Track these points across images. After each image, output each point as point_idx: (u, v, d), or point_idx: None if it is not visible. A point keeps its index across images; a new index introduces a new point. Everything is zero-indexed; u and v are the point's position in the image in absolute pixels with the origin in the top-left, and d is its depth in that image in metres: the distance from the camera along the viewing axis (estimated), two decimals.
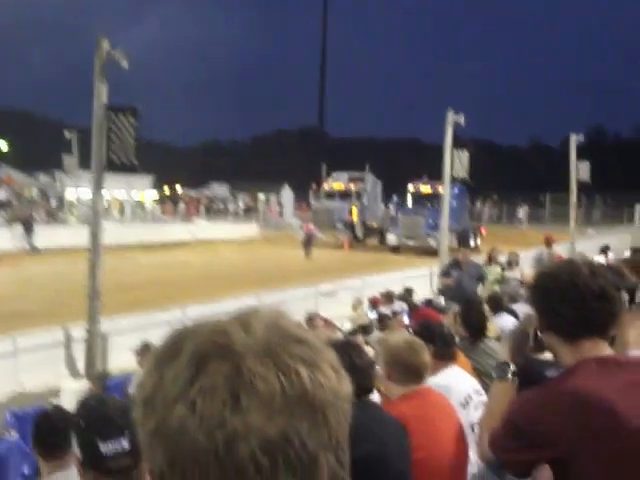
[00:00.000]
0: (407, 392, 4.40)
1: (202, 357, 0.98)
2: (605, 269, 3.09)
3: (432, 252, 28.83)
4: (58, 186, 50.51)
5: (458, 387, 5.32)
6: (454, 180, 23.73)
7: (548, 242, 19.83)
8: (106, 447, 2.94)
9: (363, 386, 3.90)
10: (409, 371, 4.44)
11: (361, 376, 3.90)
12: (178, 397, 0.97)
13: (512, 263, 17.82)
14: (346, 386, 1.05)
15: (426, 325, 6.43)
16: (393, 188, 50.00)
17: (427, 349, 4.68)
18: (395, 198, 48.37)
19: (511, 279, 16.40)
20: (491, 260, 17.62)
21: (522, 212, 60.29)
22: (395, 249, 41.32)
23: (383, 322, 12.68)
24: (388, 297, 16.17)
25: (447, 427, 4.38)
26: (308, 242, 39.30)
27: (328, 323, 14.33)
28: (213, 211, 59.55)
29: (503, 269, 17.34)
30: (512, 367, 3.23)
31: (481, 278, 15.37)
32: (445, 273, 16.04)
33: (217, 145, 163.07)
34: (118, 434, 2.95)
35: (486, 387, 5.22)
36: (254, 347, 0.99)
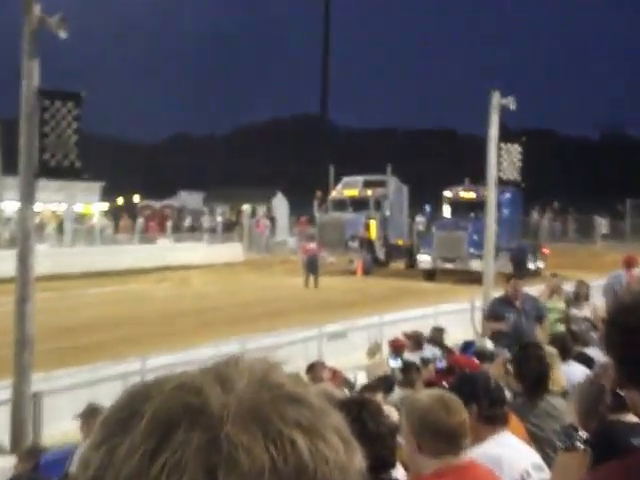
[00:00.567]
0: (443, 466, 4.37)
1: (167, 423, 0.95)
2: None
3: (477, 278, 28.67)
4: None
5: (511, 460, 5.28)
6: (503, 183, 23.74)
7: (629, 264, 19.51)
8: None
9: (381, 459, 3.90)
10: (443, 438, 4.41)
11: (379, 445, 3.90)
12: (135, 477, 0.92)
13: (580, 297, 17.56)
14: (357, 460, 1.01)
15: (467, 378, 6.42)
16: (422, 195, 50.23)
17: (466, 410, 4.67)
18: (427, 208, 48.53)
19: (578, 319, 16.20)
20: (552, 292, 17.40)
21: (599, 225, 60.07)
22: (429, 274, 41.28)
23: (409, 374, 12.63)
24: (416, 340, 16.13)
25: None
26: (311, 267, 39.39)
27: (336, 375, 14.36)
28: (183, 228, 59.75)
29: (568, 305, 17.05)
30: (583, 433, 3.20)
31: (540, 317, 15.14)
32: (495, 315, 15.61)
33: (187, 141, 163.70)
34: None
35: (548, 459, 5.19)
36: (235, 409, 0.96)
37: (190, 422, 0.94)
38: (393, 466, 4.10)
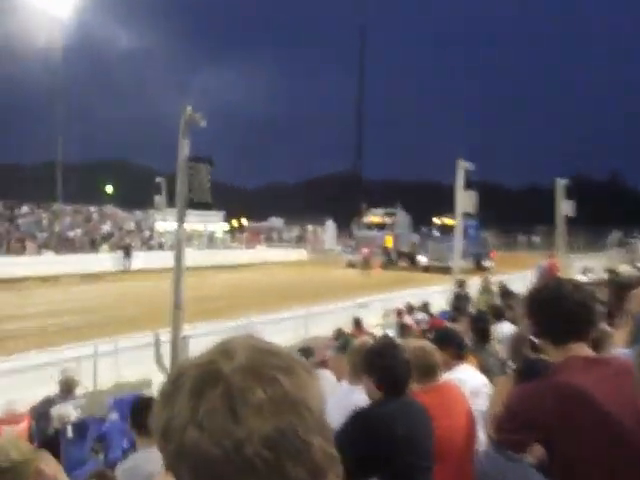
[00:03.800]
0: (427, 387, 4.38)
1: (198, 387, 0.99)
2: (585, 285, 3.09)
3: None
4: (150, 220, 51.37)
5: (470, 380, 5.27)
6: (470, 215, 23.70)
7: (550, 256, 21.45)
8: None
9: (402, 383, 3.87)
10: (422, 371, 4.42)
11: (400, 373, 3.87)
12: (188, 422, 0.97)
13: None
14: (317, 382, 1.05)
15: (443, 332, 6.41)
16: (421, 221, 50.28)
17: (443, 351, 4.67)
18: (424, 229, 48.65)
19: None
20: (485, 289, 17.12)
21: (521, 242, 59.83)
22: (425, 269, 41.21)
23: (404, 330, 12.52)
24: (409, 309, 16.06)
25: (461, 413, 4.37)
26: (366, 263, 39.70)
27: (363, 329, 14.30)
28: (272, 240, 59.70)
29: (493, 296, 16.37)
30: (511, 365, 3.22)
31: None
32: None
33: (275, 187, 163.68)
34: None
35: (492, 381, 5.18)
36: (238, 368, 0.99)
37: (212, 384, 0.98)
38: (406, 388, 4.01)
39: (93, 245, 42.84)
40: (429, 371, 4.41)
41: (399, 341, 10.36)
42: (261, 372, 0.99)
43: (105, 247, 42.56)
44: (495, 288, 17.28)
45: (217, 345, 1.06)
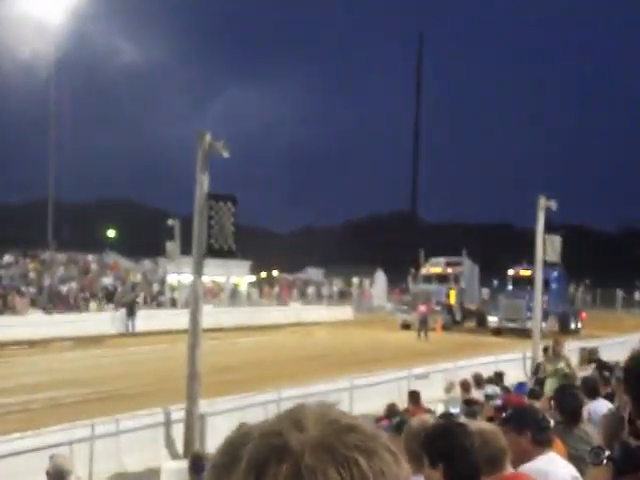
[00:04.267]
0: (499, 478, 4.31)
1: (260, 461, 0.96)
2: None
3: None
4: (160, 271, 51.71)
5: (556, 473, 5.16)
6: (553, 265, 23.50)
7: None
8: None
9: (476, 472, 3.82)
10: (485, 460, 4.35)
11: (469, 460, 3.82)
12: None
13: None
14: (404, 468, 1.02)
15: (520, 411, 6.31)
16: (489, 271, 50.07)
17: (521, 435, 4.60)
18: (495, 282, 48.52)
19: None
20: (555, 354, 16.82)
21: (619, 296, 59.17)
22: (496, 331, 40.93)
23: (471, 408, 12.29)
24: (477, 381, 15.79)
25: None
26: (422, 324, 39.40)
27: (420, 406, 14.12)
28: (308, 295, 59.69)
29: (569, 365, 15.99)
30: (607, 452, 3.15)
31: None
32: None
33: (310, 231, 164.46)
34: None
35: (582, 473, 5.08)
36: (309, 443, 0.96)
37: (277, 459, 0.95)
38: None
39: (91, 301, 43.26)
40: (494, 460, 4.34)
41: (464, 420, 10.25)
42: (336, 450, 0.96)
43: (94, 305, 42.75)
44: (572, 355, 16.92)
45: (284, 413, 1.04)
